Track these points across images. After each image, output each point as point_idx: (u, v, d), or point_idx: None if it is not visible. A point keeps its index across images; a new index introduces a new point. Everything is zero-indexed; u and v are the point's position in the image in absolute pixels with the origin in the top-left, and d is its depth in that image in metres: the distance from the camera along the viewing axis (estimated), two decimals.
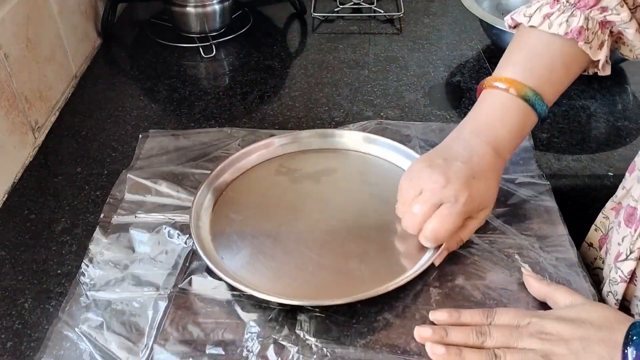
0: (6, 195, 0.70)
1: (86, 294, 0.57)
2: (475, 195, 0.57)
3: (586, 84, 0.89)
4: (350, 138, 0.74)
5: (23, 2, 0.76)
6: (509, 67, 0.61)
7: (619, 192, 0.63)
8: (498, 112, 0.60)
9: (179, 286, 0.58)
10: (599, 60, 0.61)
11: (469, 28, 1.05)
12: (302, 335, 0.53)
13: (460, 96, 0.88)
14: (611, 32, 0.61)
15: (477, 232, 0.63)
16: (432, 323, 0.54)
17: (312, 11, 1.10)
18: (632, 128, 0.81)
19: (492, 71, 0.92)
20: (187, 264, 0.60)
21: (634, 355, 0.44)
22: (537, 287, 0.55)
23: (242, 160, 0.71)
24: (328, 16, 1.10)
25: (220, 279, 0.57)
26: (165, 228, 0.63)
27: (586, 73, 0.65)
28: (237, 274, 0.57)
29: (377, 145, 0.72)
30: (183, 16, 1.00)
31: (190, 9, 0.98)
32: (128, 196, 0.68)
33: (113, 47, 1.02)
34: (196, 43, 1.00)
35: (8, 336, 0.55)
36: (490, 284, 0.58)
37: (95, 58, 0.98)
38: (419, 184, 0.58)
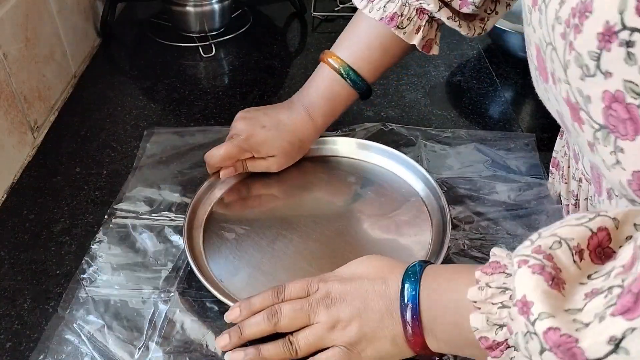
0: (5, 196, 0.70)
1: (86, 294, 0.57)
2: (257, 140, 0.67)
3: None
4: (343, 145, 0.73)
5: (22, 2, 0.75)
6: (338, 45, 0.68)
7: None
8: (317, 82, 0.69)
9: (178, 287, 0.57)
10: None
11: None
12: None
13: (460, 96, 0.88)
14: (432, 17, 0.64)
15: (478, 232, 0.63)
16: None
17: (312, 10, 1.09)
18: None
19: (493, 70, 0.93)
20: (187, 267, 0.60)
21: (409, 291, 0.45)
22: None
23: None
24: (328, 15, 1.10)
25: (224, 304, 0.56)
26: (166, 229, 0.63)
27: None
28: (241, 298, 0.55)
29: (371, 151, 0.72)
30: (182, 15, 0.99)
31: (190, 8, 0.98)
32: (130, 196, 0.68)
33: (112, 47, 1.02)
34: (196, 42, 1.00)
35: (7, 336, 0.55)
36: None
37: (95, 57, 0.98)
38: (232, 127, 0.69)
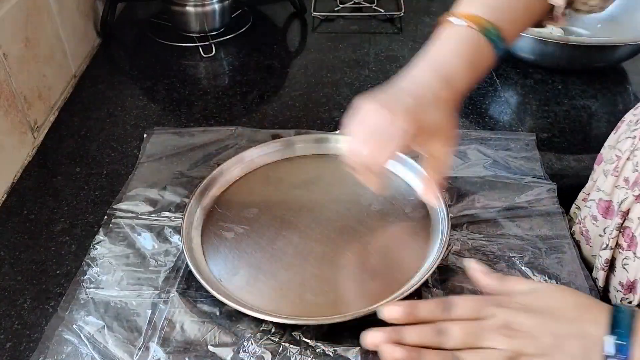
0: (5, 196, 0.70)
1: (86, 295, 0.57)
2: (424, 127, 0.53)
3: (587, 83, 0.89)
4: (344, 143, 0.72)
5: (22, 2, 0.75)
6: (468, 3, 0.58)
7: (589, 184, 0.63)
8: (452, 45, 0.57)
9: (178, 288, 0.57)
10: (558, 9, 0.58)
11: None
12: (300, 337, 0.53)
13: None
14: None
15: (479, 232, 0.63)
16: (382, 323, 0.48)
17: (312, 10, 1.09)
18: None
19: (493, 70, 0.92)
20: (187, 267, 0.59)
21: (613, 347, 0.41)
22: (486, 281, 0.49)
23: (227, 172, 0.69)
24: (328, 15, 1.10)
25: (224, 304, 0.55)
26: (166, 229, 0.63)
27: (542, 26, 0.62)
28: (240, 298, 0.55)
29: None
30: (183, 15, 0.99)
31: (190, 8, 0.98)
32: (130, 197, 0.68)
33: (112, 47, 1.02)
34: (196, 42, 1.00)
35: (7, 337, 0.55)
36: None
37: (95, 58, 0.98)
38: (366, 124, 0.54)
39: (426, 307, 0.47)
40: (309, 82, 0.91)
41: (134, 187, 0.69)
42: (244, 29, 1.05)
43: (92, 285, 0.58)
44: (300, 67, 0.95)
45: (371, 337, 0.45)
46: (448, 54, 0.56)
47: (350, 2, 1.13)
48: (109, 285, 0.58)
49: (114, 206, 0.67)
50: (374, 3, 1.12)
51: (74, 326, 0.54)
